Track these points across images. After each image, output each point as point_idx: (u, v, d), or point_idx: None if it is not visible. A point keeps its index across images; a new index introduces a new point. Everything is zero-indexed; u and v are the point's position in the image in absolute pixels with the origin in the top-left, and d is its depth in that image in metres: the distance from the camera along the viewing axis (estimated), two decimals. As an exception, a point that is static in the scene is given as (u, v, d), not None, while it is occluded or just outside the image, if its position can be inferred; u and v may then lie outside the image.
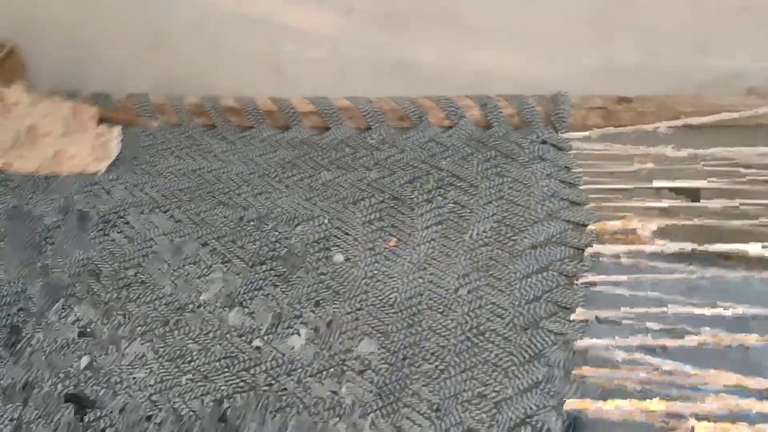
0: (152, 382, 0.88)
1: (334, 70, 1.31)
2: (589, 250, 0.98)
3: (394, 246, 1.04)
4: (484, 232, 1.04)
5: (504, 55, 1.25)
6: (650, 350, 0.84)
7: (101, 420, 0.85)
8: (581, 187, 1.08)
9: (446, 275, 0.99)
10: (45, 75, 1.37)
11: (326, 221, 1.09)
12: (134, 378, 0.89)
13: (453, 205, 1.09)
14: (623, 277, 0.94)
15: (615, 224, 1.00)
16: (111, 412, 0.85)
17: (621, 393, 0.80)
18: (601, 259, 0.97)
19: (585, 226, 1.02)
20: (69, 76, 1.37)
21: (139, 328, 0.95)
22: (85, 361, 0.92)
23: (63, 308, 0.98)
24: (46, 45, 1.34)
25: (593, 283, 0.94)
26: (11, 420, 0.85)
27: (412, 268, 1.00)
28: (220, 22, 1.27)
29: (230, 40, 1.30)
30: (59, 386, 0.89)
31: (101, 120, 1.30)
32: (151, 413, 0.85)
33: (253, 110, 1.29)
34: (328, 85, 1.31)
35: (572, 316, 0.90)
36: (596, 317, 0.89)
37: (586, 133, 1.18)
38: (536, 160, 1.14)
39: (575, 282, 0.95)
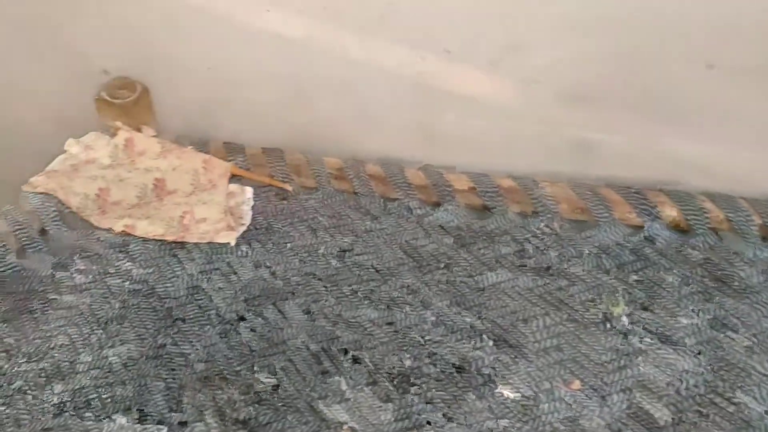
0: None
1: (497, 143, 1.13)
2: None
3: (578, 390, 0.85)
4: (695, 386, 0.83)
5: (709, 144, 1.03)
6: None
7: None
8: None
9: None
10: (174, 118, 1.24)
11: (491, 343, 0.90)
12: None
13: (650, 337, 0.89)
14: None
15: None
16: None
17: None
18: None
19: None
20: (198, 121, 1.24)
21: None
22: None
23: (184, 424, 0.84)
24: (177, 87, 1.20)
25: None
26: None
27: (601, 427, 0.81)
28: (369, 81, 1.10)
29: (380, 102, 1.13)
30: None
31: (232, 176, 1.16)
32: None
33: (401, 182, 1.12)
34: (486, 160, 1.13)
35: None
36: None
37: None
38: (760, 286, 0.92)
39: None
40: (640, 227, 1.03)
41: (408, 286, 0.98)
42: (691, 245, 0.99)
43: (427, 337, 0.91)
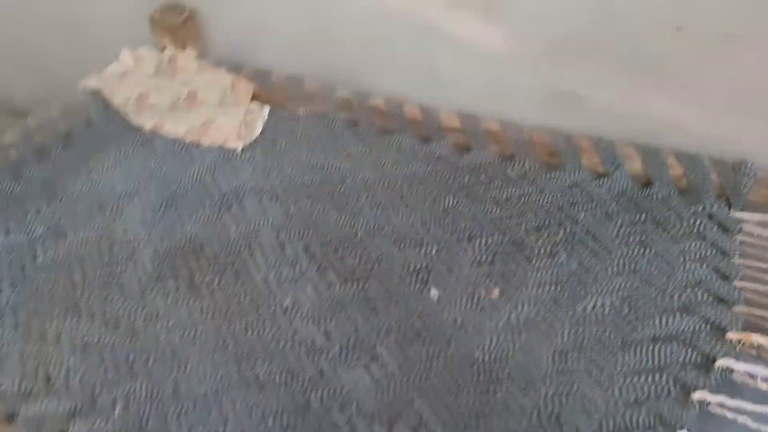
0: (210, 377, 0.87)
1: (492, 90, 1.21)
2: (720, 362, 0.81)
3: (496, 297, 0.94)
4: (601, 306, 0.90)
5: (688, 106, 1.07)
6: None
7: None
8: (736, 283, 0.90)
9: (542, 346, 0.87)
10: (216, 43, 1.41)
11: (434, 252, 1.00)
12: (195, 367, 0.88)
13: (577, 266, 0.96)
14: (754, 407, 0.76)
15: (764, 339, 0.82)
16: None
17: None
18: (732, 376, 0.80)
19: (725, 331, 0.85)
20: (239, 47, 1.40)
21: (218, 318, 0.94)
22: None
23: (158, 278, 1.00)
24: (223, 13, 1.37)
25: (711, 404, 0.77)
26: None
27: (506, 328, 0.89)
28: (383, 23, 1.22)
29: (390, 42, 1.25)
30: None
31: (255, 97, 1.31)
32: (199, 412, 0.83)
33: (399, 115, 1.23)
34: (482, 104, 1.22)
35: (675, 438, 0.75)
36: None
37: (765, 217, 0.98)
38: (692, 236, 0.97)
39: (691, 396, 0.79)
40: (604, 175, 1.09)
41: (378, 201, 1.10)
42: (645, 195, 1.04)
43: (380, 242, 1.03)
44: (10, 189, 1.13)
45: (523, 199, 1.07)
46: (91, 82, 1.29)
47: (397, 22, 1.21)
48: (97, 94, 1.28)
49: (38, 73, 1.82)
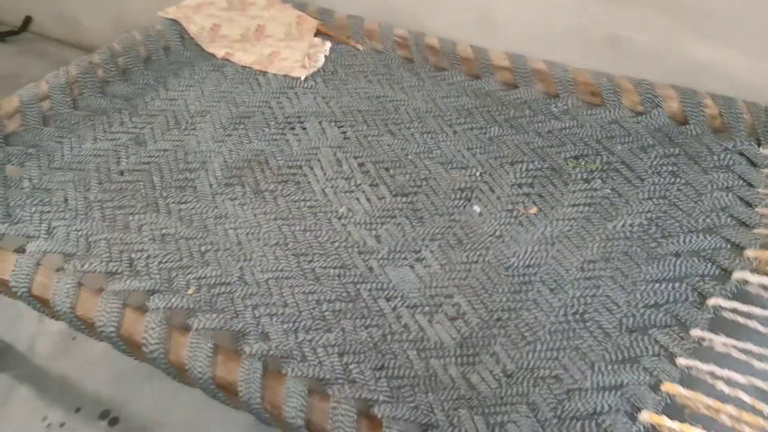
0: (272, 268, 0.97)
1: (541, 33, 1.29)
2: (737, 275, 0.88)
3: (533, 214, 1.02)
4: (630, 225, 0.98)
5: (728, 52, 1.13)
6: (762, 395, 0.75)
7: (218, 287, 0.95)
8: (758, 209, 0.97)
9: (573, 256, 0.95)
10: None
11: (478, 174, 1.09)
12: (258, 259, 0.99)
13: (610, 191, 1.04)
14: (764, 311, 0.83)
15: (779, 257, 0.89)
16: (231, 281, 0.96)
17: (707, 423, 0.73)
18: (747, 287, 0.88)
19: (743, 249, 0.92)
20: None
21: (280, 221, 1.04)
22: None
23: (227, 185, 1.11)
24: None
25: (725, 309, 0.85)
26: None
27: (541, 240, 0.98)
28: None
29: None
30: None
31: (318, 33, 1.41)
32: (262, 295, 0.94)
33: (451, 53, 1.31)
34: (532, 46, 1.29)
35: (689, 334, 0.83)
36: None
37: (793, 154, 1.04)
38: (721, 168, 1.04)
39: (706, 302, 0.86)
40: (643, 113, 1.16)
41: (428, 129, 1.19)
42: (680, 132, 1.11)
43: (429, 164, 1.12)
44: (98, 103, 1.25)
45: (564, 131, 1.15)
46: (170, 12, 1.40)
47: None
48: (174, 24, 1.39)
49: (112, 17, 1.95)
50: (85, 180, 1.11)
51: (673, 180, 1.04)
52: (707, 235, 0.95)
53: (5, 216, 1.04)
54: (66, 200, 1.08)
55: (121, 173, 1.13)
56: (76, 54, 1.87)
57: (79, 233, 1.02)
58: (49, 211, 1.05)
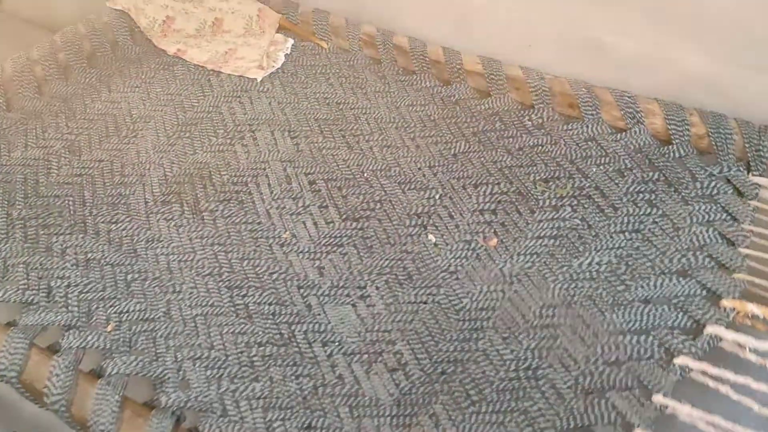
0: (202, 302, 0.89)
1: (517, 35, 1.17)
2: (709, 329, 0.79)
3: (493, 247, 0.93)
4: (597, 264, 0.88)
5: (721, 63, 1.02)
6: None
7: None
8: (741, 249, 0.87)
9: (532, 299, 0.86)
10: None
11: (437, 196, 1.00)
12: (188, 291, 0.90)
13: (579, 221, 0.94)
14: (737, 377, 0.74)
15: (760, 310, 0.79)
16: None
17: None
18: (720, 343, 0.78)
19: (720, 297, 0.82)
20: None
21: (217, 246, 0.95)
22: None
23: (164, 202, 1.02)
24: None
25: (693, 370, 0.76)
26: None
27: (499, 277, 0.89)
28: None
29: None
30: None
31: (281, 28, 1.30)
32: (188, 334, 0.86)
33: (421, 55, 1.20)
34: (508, 50, 1.18)
35: (651, 399, 0.74)
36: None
37: (786, 185, 0.94)
38: (704, 198, 0.94)
39: (674, 361, 0.77)
40: (624, 130, 1.05)
41: (389, 142, 1.09)
42: (662, 153, 1.01)
43: (385, 183, 1.02)
44: (33, 105, 1.15)
45: (536, 149, 1.05)
46: (119, 2, 1.29)
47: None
48: (123, 15, 1.28)
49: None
50: (10, 194, 1.02)
51: (649, 210, 0.93)
52: (681, 279, 0.85)
53: None
54: (-12, 216, 0.99)
55: (50, 186, 1.04)
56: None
57: (-9, 254, 0.94)
58: (-35, 230, 0.97)
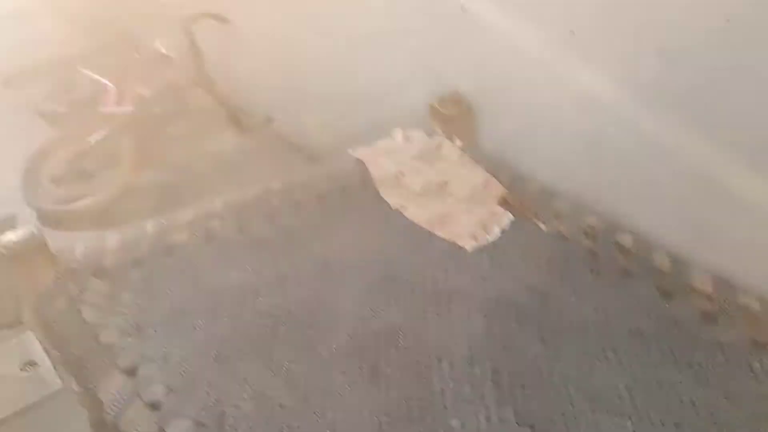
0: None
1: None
2: None
3: None
4: None
5: None
6: None
7: None
8: None
9: None
10: (486, 139, 1.42)
11: (630, 425, 0.88)
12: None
13: None
14: None
15: None
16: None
17: None
18: None
19: None
20: (507, 147, 1.39)
21: (383, 417, 0.92)
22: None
23: (346, 354, 1.01)
24: (499, 111, 1.38)
25: None
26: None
27: None
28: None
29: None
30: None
31: (503, 202, 1.30)
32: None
33: (644, 259, 1.12)
34: (749, 273, 1.05)
35: None
36: None
37: None
38: None
39: None
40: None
41: (586, 348, 1.00)
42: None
43: (574, 393, 0.93)
44: (263, 233, 1.25)
45: (763, 402, 0.89)
46: (359, 152, 1.38)
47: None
48: (359, 163, 1.37)
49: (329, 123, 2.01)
50: (216, 310, 1.09)
51: None
52: None
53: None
54: (194, 328, 1.06)
55: (254, 313, 1.09)
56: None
57: (187, 365, 0.99)
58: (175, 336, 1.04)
